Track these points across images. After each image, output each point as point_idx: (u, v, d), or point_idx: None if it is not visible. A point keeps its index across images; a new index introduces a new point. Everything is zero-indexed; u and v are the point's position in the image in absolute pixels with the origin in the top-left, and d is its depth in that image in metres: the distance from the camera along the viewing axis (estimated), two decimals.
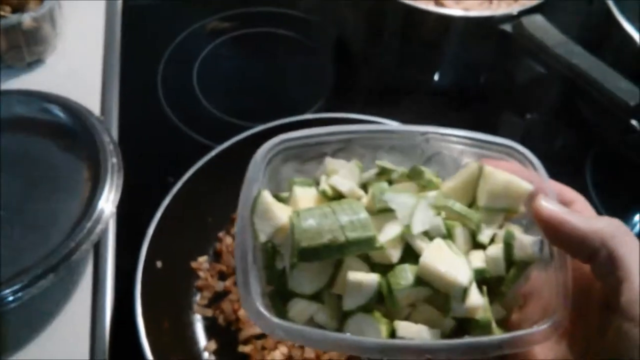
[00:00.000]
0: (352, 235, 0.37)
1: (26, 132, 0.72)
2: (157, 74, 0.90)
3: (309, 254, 0.37)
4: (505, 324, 0.41)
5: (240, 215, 0.40)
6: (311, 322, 0.39)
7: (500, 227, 0.41)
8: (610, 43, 0.78)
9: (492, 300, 0.39)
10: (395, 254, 0.38)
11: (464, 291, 0.37)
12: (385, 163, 0.43)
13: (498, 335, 0.38)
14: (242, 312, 0.64)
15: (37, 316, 0.64)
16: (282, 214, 0.39)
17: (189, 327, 0.64)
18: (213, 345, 0.63)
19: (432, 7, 0.79)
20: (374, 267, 0.39)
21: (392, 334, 0.37)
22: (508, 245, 0.40)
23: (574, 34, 0.75)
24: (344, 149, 0.44)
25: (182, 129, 0.83)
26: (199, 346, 0.63)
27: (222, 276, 0.68)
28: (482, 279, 0.39)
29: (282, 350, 0.62)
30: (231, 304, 0.65)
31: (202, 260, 0.68)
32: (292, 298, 0.39)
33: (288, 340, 0.39)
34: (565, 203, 0.40)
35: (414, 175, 0.42)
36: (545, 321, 0.37)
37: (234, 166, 0.69)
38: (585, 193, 0.43)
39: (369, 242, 0.37)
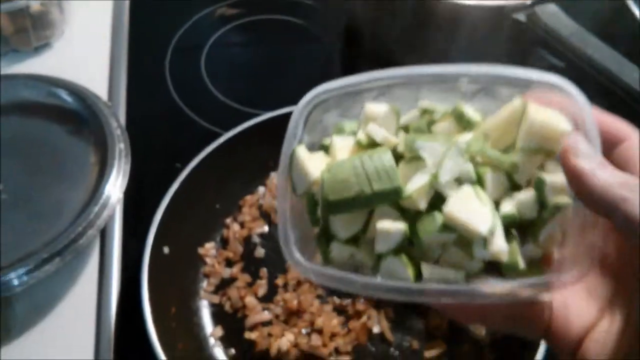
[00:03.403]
0: (378, 186, 0.39)
1: (33, 116, 0.72)
2: (165, 60, 0.89)
3: (338, 207, 0.40)
4: (542, 263, 0.41)
5: (280, 169, 0.43)
6: (352, 260, 0.42)
7: (542, 166, 0.40)
8: (624, 33, 0.77)
9: (525, 241, 0.40)
10: (423, 202, 0.39)
11: (485, 240, 0.37)
12: (427, 104, 0.43)
13: (517, 279, 0.39)
14: (248, 299, 0.64)
15: (42, 301, 0.64)
16: (315, 169, 0.41)
17: (196, 313, 0.63)
18: (219, 332, 0.62)
19: None
20: (404, 212, 0.40)
21: (420, 275, 0.39)
22: (540, 190, 0.39)
23: (587, 24, 0.74)
24: (385, 93, 0.44)
25: (189, 115, 0.83)
26: (205, 332, 0.62)
27: (229, 263, 0.67)
28: (514, 221, 0.39)
29: (289, 337, 0.61)
30: (238, 291, 0.64)
31: (209, 247, 0.67)
32: (333, 241, 0.41)
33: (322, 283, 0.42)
34: (614, 141, 0.39)
35: (454, 115, 0.42)
36: (565, 271, 0.38)
37: (242, 153, 0.70)
38: None
39: (395, 192, 0.39)
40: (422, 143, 0.39)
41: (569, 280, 0.38)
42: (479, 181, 0.39)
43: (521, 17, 0.75)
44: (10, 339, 0.62)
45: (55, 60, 0.87)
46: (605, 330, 0.39)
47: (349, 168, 0.39)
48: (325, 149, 0.44)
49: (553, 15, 0.73)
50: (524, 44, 0.80)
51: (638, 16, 0.74)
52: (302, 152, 0.42)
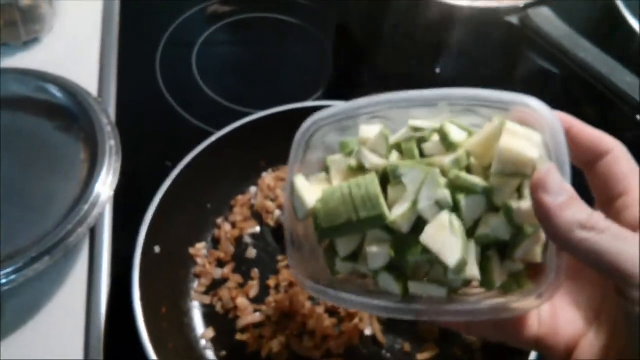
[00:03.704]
0: (364, 214, 0.43)
1: (22, 111, 0.71)
2: (156, 57, 0.88)
3: (331, 233, 0.45)
4: (526, 274, 0.43)
5: (286, 193, 0.49)
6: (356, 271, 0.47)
7: (520, 188, 0.41)
8: (616, 38, 0.77)
9: (505, 258, 0.43)
10: (405, 226, 0.43)
11: (455, 268, 0.40)
12: (416, 122, 0.45)
13: (488, 301, 0.43)
14: (240, 300, 0.63)
15: (30, 300, 0.63)
16: (310, 198, 0.46)
17: (187, 313, 0.63)
18: (210, 333, 0.62)
19: None
20: (393, 233, 0.44)
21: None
22: (508, 216, 0.41)
23: (580, 27, 0.74)
24: (379, 113, 0.48)
25: (180, 113, 0.82)
26: (196, 333, 0.62)
27: (221, 263, 0.67)
28: (489, 242, 0.42)
29: (280, 339, 0.61)
30: (229, 292, 0.64)
31: (200, 247, 0.67)
32: (336, 256, 0.47)
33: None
34: (598, 154, 0.40)
35: (440, 136, 0.44)
36: (534, 289, 0.41)
37: (233, 152, 0.70)
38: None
39: (380, 218, 0.43)
40: (404, 170, 0.43)
41: (546, 293, 0.40)
42: (456, 206, 0.42)
43: (514, 19, 0.75)
44: None
45: (44, 55, 0.86)
46: (591, 343, 0.40)
47: (338, 197, 0.44)
48: (327, 169, 0.49)
49: (545, 19, 0.73)
50: (516, 46, 0.80)
51: (629, 21, 0.75)
52: (299, 181, 0.48)
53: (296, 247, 0.49)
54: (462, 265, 0.41)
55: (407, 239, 0.43)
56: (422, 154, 0.45)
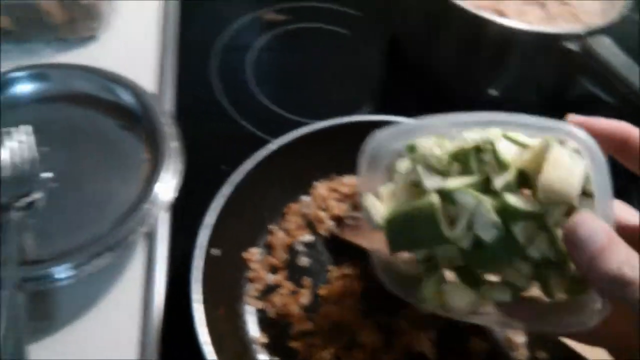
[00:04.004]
0: (425, 233, 0.47)
1: (87, 108, 0.72)
2: (212, 60, 0.90)
3: (400, 247, 0.51)
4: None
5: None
6: None
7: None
8: None
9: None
10: (465, 242, 0.46)
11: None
12: (471, 135, 0.47)
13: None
14: (292, 307, 0.64)
15: (87, 296, 0.64)
16: (378, 215, 0.50)
17: (241, 317, 0.63)
18: (263, 338, 0.62)
19: (494, 17, 0.79)
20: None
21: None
22: (552, 241, 0.44)
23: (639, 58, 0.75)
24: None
25: (233, 116, 0.83)
26: (250, 337, 0.62)
27: (273, 270, 0.67)
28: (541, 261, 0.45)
29: (330, 350, 0.61)
30: (281, 298, 0.65)
31: (255, 252, 0.67)
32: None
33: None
34: (619, 142, 0.44)
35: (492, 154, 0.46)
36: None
37: (289, 161, 0.70)
38: None
39: (440, 237, 0.46)
40: (457, 195, 0.45)
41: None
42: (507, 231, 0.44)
43: (573, 46, 0.75)
44: (51, 332, 0.62)
45: (100, 52, 0.88)
46: None
47: (401, 219, 0.48)
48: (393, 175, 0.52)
49: (606, 48, 0.74)
50: (574, 74, 0.80)
51: None
52: (368, 200, 0.52)
53: None
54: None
55: (472, 252, 0.46)
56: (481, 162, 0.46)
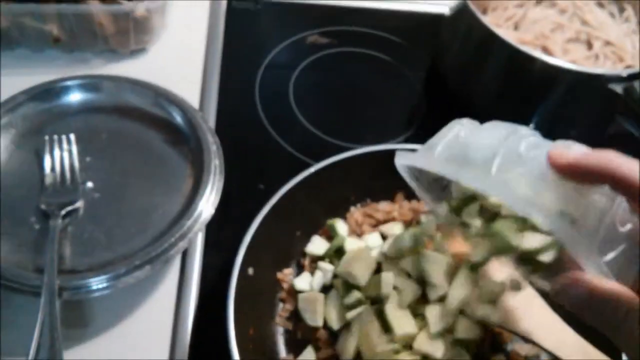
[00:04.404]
0: None
1: (134, 120, 0.74)
2: (256, 79, 0.92)
3: None
4: None
5: None
6: None
7: None
8: None
9: None
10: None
11: None
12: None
13: None
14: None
15: (121, 305, 0.66)
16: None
17: (270, 337, 0.64)
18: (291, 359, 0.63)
19: (538, 54, 0.79)
20: None
21: None
22: None
23: None
24: None
25: (273, 137, 0.85)
26: (278, 358, 0.63)
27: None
28: None
29: None
30: None
31: (287, 272, 0.69)
32: None
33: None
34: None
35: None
36: None
37: (327, 184, 0.72)
38: None
39: None
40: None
41: None
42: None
43: (617, 88, 0.75)
44: (84, 340, 0.63)
45: (149, 65, 0.90)
46: None
47: None
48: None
49: None
50: (614, 114, 0.80)
51: None
52: None
53: None
54: None
55: None
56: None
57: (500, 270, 0.60)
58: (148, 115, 0.74)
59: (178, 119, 0.73)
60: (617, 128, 0.83)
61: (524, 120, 0.84)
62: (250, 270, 0.64)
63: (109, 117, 0.74)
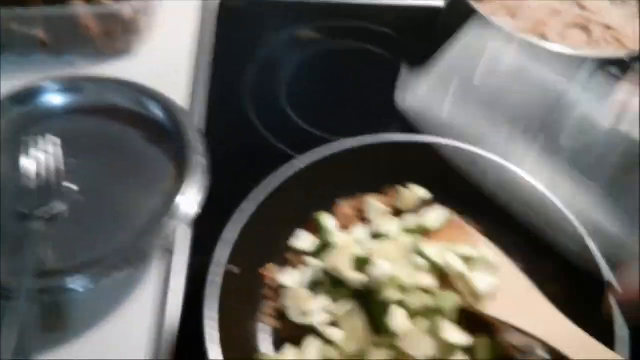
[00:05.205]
0: None
1: (117, 121, 0.73)
2: (246, 77, 0.90)
3: None
4: None
5: None
6: None
7: None
8: None
9: None
10: None
11: None
12: None
13: None
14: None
15: (102, 307, 0.64)
16: None
17: (254, 336, 0.62)
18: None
19: (535, 41, 0.77)
20: None
21: None
22: None
23: None
24: None
25: (263, 133, 0.83)
26: (263, 357, 0.61)
27: None
28: None
29: None
30: None
31: (272, 268, 0.66)
32: None
33: None
34: None
35: None
36: None
37: (315, 180, 0.69)
38: None
39: None
40: None
41: None
42: None
43: (615, 71, 0.73)
44: (64, 343, 0.62)
45: (137, 66, 0.88)
46: None
47: None
48: None
49: None
50: None
51: None
52: None
53: None
54: None
55: None
56: None
57: None
58: (131, 114, 0.73)
59: (162, 117, 0.72)
60: None
61: None
62: (235, 269, 0.62)
63: (92, 118, 0.73)
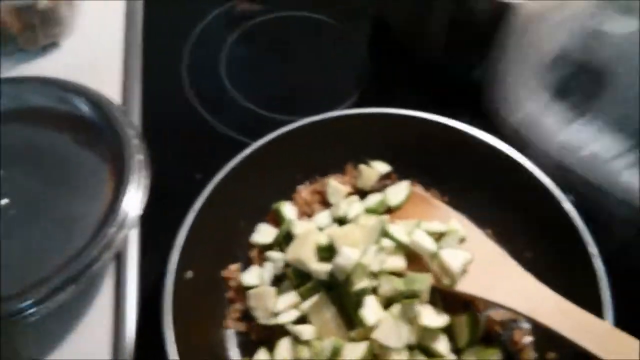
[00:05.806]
0: None
1: (43, 124, 0.67)
2: (182, 61, 0.84)
3: None
4: None
5: None
6: None
7: None
8: None
9: None
10: None
11: None
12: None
13: None
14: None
15: (55, 330, 0.59)
16: None
17: (221, 343, 0.58)
18: None
19: None
20: None
21: None
22: None
23: None
24: None
25: (208, 120, 0.77)
26: None
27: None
28: None
29: None
30: None
31: (234, 269, 0.62)
32: None
33: None
34: None
35: None
36: None
37: (267, 165, 0.64)
38: None
39: None
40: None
41: None
42: None
43: None
44: None
45: (64, 60, 0.82)
46: None
47: None
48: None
49: None
50: None
51: None
52: None
53: None
54: None
55: None
56: None
57: None
58: (57, 115, 0.67)
59: (91, 114, 0.66)
60: None
61: (482, 67, 0.78)
62: (189, 273, 0.57)
63: (14, 124, 0.66)
